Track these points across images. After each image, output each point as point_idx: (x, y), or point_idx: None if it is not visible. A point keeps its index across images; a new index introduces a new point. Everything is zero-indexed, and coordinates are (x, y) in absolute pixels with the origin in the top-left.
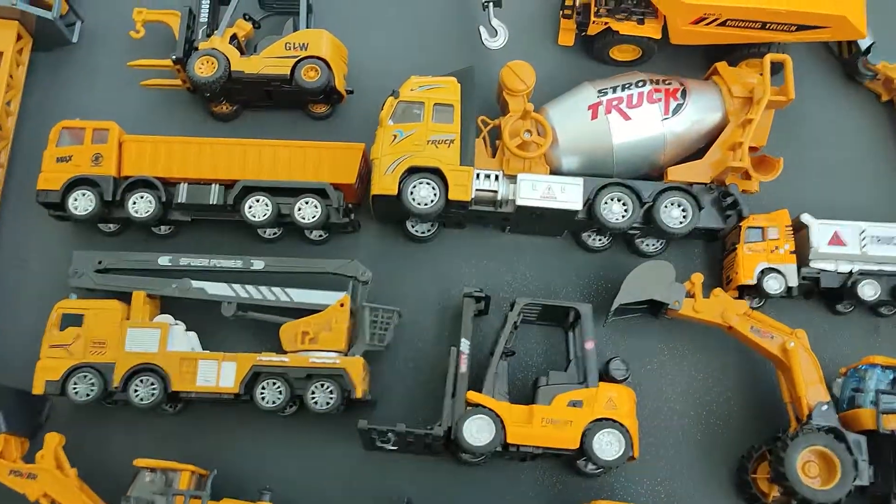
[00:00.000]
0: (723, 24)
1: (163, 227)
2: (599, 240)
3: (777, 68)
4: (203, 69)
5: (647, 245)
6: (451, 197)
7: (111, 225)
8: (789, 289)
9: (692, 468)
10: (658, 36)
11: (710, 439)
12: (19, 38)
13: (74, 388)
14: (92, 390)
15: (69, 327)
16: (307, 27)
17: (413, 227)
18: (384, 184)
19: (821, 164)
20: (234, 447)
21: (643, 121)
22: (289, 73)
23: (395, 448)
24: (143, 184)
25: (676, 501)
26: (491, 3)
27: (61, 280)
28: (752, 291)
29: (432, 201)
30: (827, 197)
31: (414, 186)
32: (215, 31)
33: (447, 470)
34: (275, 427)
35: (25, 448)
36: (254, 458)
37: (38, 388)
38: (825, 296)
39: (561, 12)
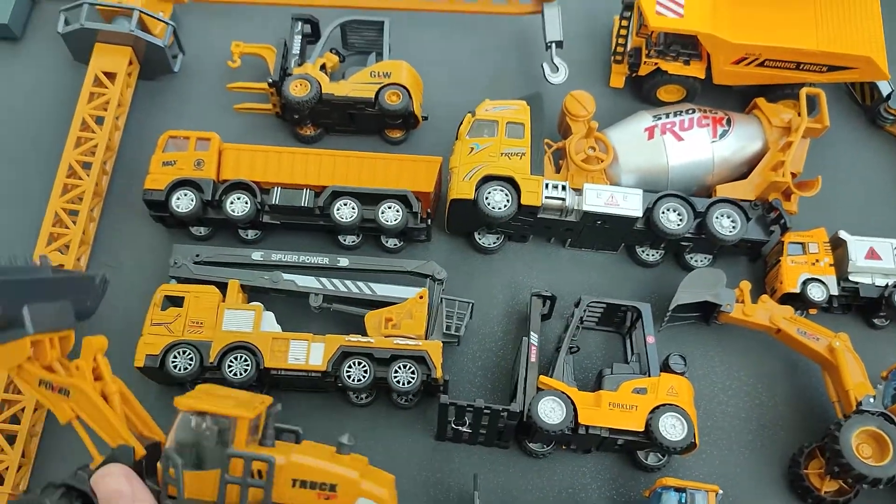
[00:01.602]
0: (761, 64)
1: (250, 233)
2: (652, 255)
3: (811, 106)
4: (297, 90)
5: (696, 261)
6: (523, 202)
7: (202, 229)
8: (830, 298)
9: (745, 466)
10: (702, 76)
11: (761, 439)
12: (130, 63)
13: (174, 363)
14: (189, 364)
15: (170, 307)
16: (389, 59)
17: (480, 238)
18: (462, 189)
19: (847, 194)
20: (307, 436)
21: (694, 142)
22: (373, 96)
23: (468, 431)
24: (241, 187)
25: (731, 496)
26: (554, 44)
27: (155, 280)
28: (796, 301)
29: (506, 206)
30: (855, 223)
31: (489, 192)
32: (307, 60)
33: (513, 462)
34: (349, 417)
35: (67, 345)
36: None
37: (139, 363)
38: (862, 311)
39: (612, 58)
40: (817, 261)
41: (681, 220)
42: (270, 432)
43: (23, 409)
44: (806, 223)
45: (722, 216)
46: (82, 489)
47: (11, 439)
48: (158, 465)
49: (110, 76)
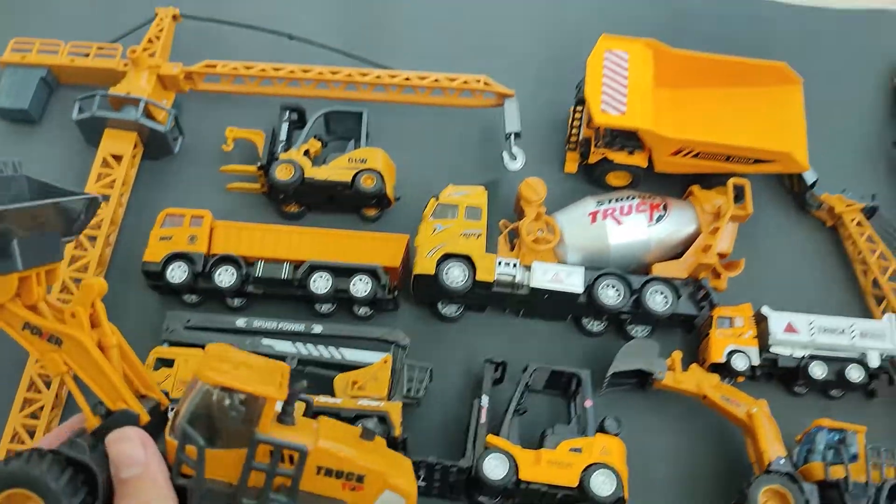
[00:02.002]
0: (696, 155)
1: (236, 301)
2: (596, 325)
3: (739, 194)
4: (283, 173)
5: (636, 331)
6: (478, 278)
7: (194, 297)
8: (753, 368)
9: None
10: (645, 165)
11: (690, 497)
12: (135, 146)
13: None
14: None
15: (162, 368)
16: (366, 146)
17: (443, 308)
18: (425, 265)
19: (776, 273)
20: None
21: (632, 226)
22: (350, 180)
23: (423, 484)
24: (228, 260)
25: None
26: (513, 135)
27: (152, 342)
28: (723, 371)
29: (463, 281)
30: (781, 298)
31: (448, 268)
32: (292, 146)
33: None
34: None
35: (54, 277)
36: None
37: None
38: (783, 379)
39: (567, 146)
40: (742, 334)
41: (619, 295)
42: (291, 409)
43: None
44: (737, 298)
45: (655, 293)
46: (81, 460)
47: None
48: (168, 437)
49: (117, 158)
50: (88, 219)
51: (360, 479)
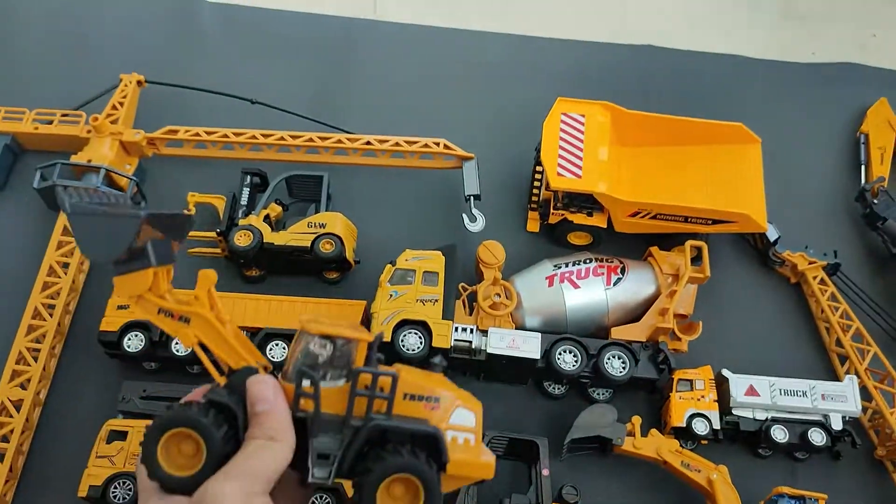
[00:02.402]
0: (654, 217)
1: (195, 367)
2: (557, 388)
3: (699, 255)
4: (241, 240)
5: (598, 394)
6: (434, 344)
7: (153, 364)
8: (714, 431)
9: None
10: (604, 225)
11: None
12: None
13: (113, 493)
14: (128, 495)
15: (115, 441)
16: (326, 210)
17: None
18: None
19: (741, 332)
20: None
21: (589, 289)
22: (309, 245)
23: None
24: None
25: None
26: (472, 197)
27: (109, 413)
28: (684, 435)
29: (419, 347)
30: (745, 358)
31: (404, 335)
32: (252, 212)
33: None
34: None
35: (170, 276)
36: None
37: (82, 492)
38: (746, 441)
39: (528, 206)
40: (702, 397)
41: (576, 361)
42: (374, 356)
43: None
44: (701, 359)
45: (613, 357)
46: (222, 401)
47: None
48: (282, 382)
49: None
50: (186, 234)
51: (436, 400)
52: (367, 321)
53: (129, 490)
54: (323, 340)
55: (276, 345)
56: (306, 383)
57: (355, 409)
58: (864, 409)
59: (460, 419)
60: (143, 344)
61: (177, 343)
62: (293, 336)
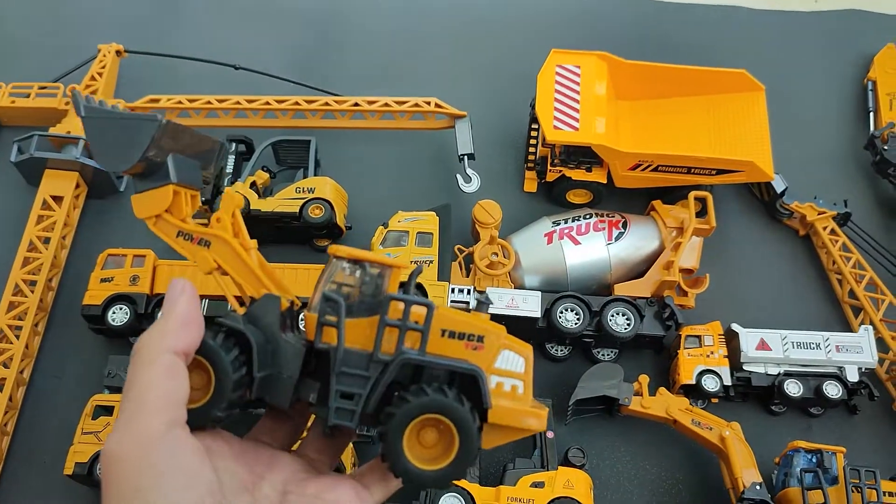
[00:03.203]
0: (655, 169)
1: None
2: (560, 349)
3: (703, 206)
4: None
5: (602, 354)
6: None
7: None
8: (725, 388)
9: None
10: (604, 181)
11: None
12: (77, 186)
13: (100, 470)
14: None
15: (102, 416)
16: (314, 175)
17: None
18: None
19: (749, 287)
20: None
21: (590, 245)
22: (298, 211)
23: None
24: None
25: None
26: (466, 157)
27: (95, 389)
28: (694, 393)
29: None
30: (754, 313)
31: None
32: (238, 179)
33: None
34: None
35: (196, 205)
36: None
37: (68, 470)
38: (759, 397)
39: (525, 165)
40: (712, 353)
41: (578, 319)
42: (409, 287)
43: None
44: (707, 315)
45: (617, 314)
46: (235, 327)
47: None
48: (307, 313)
49: (58, 199)
50: (219, 164)
51: (480, 339)
52: None
53: None
54: (353, 266)
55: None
56: (331, 311)
57: (385, 343)
58: (881, 361)
59: (507, 363)
60: (128, 317)
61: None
62: None
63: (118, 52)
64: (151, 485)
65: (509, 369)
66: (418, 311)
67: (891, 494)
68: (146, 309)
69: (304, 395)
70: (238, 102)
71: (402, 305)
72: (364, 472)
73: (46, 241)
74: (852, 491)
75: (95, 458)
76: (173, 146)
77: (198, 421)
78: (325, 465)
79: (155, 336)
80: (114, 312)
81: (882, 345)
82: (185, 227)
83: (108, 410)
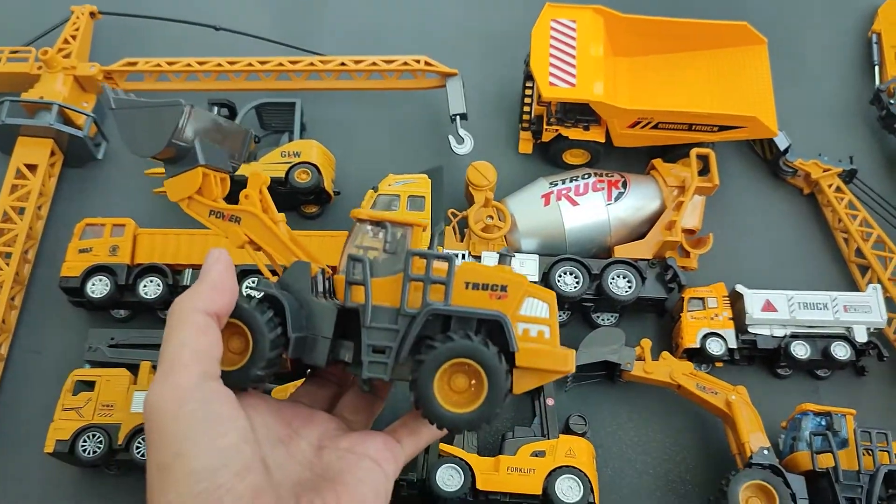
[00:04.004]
0: (655, 126)
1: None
2: (559, 315)
3: (705, 164)
4: None
5: (602, 319)
6: None
7: (122, 311)
8: (731, 351)
9: None
10: (602, 140)
11: (670, 495)
12: (53, 153)
13: (83, 447)
14: (98, 448)
15: (82, 391)
16: (300, 139)
17: None
18: None
19: (753, 247)
20: None
21: (589, 206)
22: (284, 175)
23: None
24: (153, 270)
25: None
26: (458, 116)
27: (75, 364)
28: (698, 357)
29: None
30: (759, 274)
31: None
32: None
33: None
34: None
35: (226, 187)
36: None
37: (48, 448)
38: (765, 360)
39: (520, 126)
40: (716, 315)
41: (577, 282)
42: (434, 244)
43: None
44: (711, 277)
45: (617, 277)
46: (271, 293)
47: None
48: (335, 276)
49: (32, 168)
50: (246, 151)
51: (503, 288)
52: None
53: (100, 443)
54: (375, 228)
55: (253, 282)
56: (357, 270)
57: (411, 298)
58: (890, 321)
59: (532, 309)
60: (108, 289)
61: (145, 286)
62: (269, 271)
63: (92, 14)
64: (187, 432)
65: (534, 315)
66: (440, 266)
67: None
68: (127, 280)
69: (339, 355)
70: (219, 65)
71: (424, 261)
72: (396, 428)
73: (21, 211)
74: (863, 454)
75: (77, 434)
76: (200, 129)
77: (239, 381)
78: (361, 425)
79: (186, 298)
80: (93, 284)
81: (891, 304)
82: (216, 206)
83: (89, 385)
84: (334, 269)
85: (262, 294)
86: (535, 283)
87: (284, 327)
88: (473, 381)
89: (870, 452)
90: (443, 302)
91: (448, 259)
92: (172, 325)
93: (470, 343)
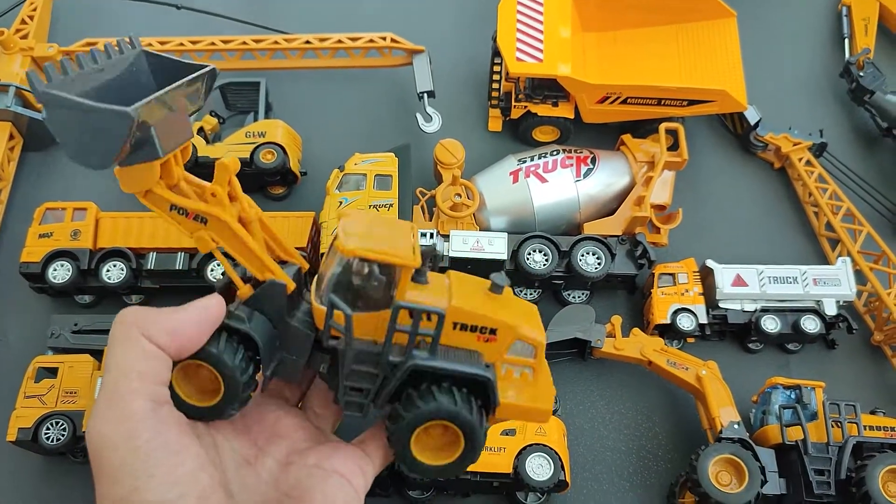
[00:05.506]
0: (624, 101)
1: (134, 297)
2: (530, 293)
3: (675, 139)
4: None
5: (573, 297)
6: None
7: (86, 297)
8: (701, 326)
9: (626, 499)
10: (571, 116)
11: (642, 471)
12: (12, 137)
13: (46, 434)
14: (62, 435)
15: (45, 378)
16: (265, 119)
17: None
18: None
19: (724, 222)
20: None
21: (558, 183)
22: (249, 156)
23: None
24: (116, 254)
25: None
26: (425, 94)
27: (39, 351)
28: (669, 332)
29: None
30: (729, 249)
31: None
32: None
33: None
34: None
35: (187, 156)
36: None
37: (11, 437)
38: (736, 335)
39: (489, 103)
40: (686, 291)
41: (546, 260)
42: (424, 270)
43: None
44: (682, 252)
45: (587, 254)
46: (244, 331)
47: None
48: (315, 304)
49: None
50: (209, 90)
51: (492, 331)
52: (317, 232)
53: (64, 430)
54: (361, 262)
55: (218, 265)
56: (339, 312)
57: (395, 339)
58: (859, 294)
59: (519, 352)
60: (70, 274)
61: (108, 270)
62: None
63: None
64: (144, 466)
65: (521, 357)
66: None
67: (871, 428)
68: (89, 265)
69: (314, 366)
70: (181, 44)
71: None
72: (364, 440)
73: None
74: (832, 426)
75: (41, 422)
76: (155, 116)
77: (212, 417)
78: (328, 421)
79: (141, 318)
80: (55, 269)
81: (860, 277)
82: (178, 202)
83: (51, 372)
84: (303, 249)
85: (232, 327)
86: (502, 262)
87: (257, 361)
88: (451, 436)
89: (839, 424)
90: (427, 353)
91: (438, 314)
92: (116, 337)
93: (453, 408)
